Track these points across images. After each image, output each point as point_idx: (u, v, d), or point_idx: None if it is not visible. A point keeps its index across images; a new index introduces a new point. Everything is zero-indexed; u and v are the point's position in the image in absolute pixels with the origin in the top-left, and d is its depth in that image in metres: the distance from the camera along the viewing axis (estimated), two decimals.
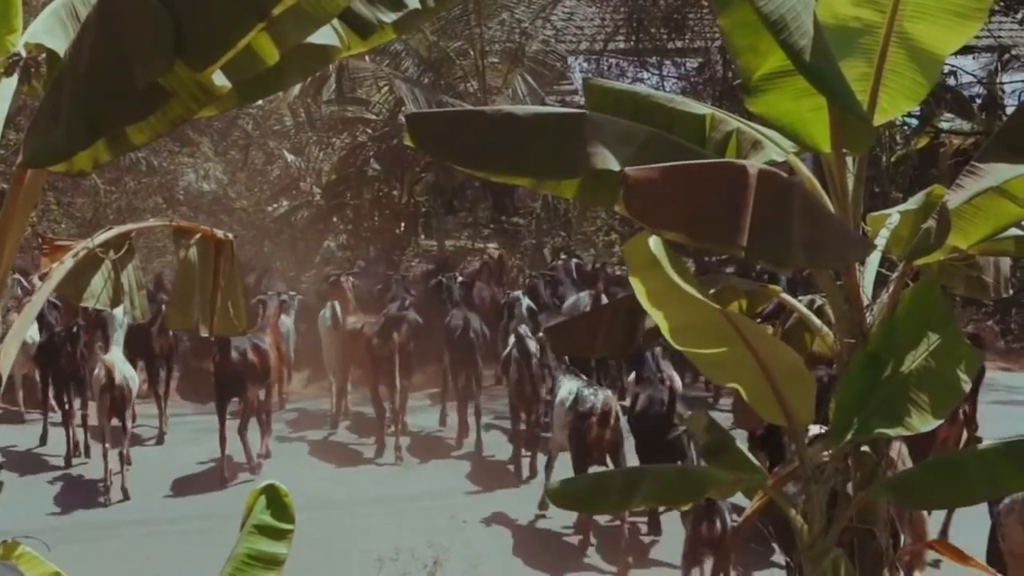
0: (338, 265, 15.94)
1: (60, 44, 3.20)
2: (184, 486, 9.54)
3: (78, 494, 9.28)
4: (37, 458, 10.28)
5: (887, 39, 3.63)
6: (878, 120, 3.80)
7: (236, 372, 9.85)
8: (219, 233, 3.87)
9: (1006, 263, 4.62)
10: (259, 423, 10.20)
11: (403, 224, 18.96)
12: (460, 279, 12.53)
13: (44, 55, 3.22)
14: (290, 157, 19.20)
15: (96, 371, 9.56)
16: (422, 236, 19.85)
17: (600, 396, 8.15)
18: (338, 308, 11.84)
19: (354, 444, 11.01)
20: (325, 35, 3.20)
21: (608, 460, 8.06)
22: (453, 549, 7.05)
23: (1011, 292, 4.83)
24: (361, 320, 11.40)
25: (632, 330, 4.56)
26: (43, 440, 10.62)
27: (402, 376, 10.68)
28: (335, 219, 18.64)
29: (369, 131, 18.24)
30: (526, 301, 10.87)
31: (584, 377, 8.59)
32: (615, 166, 3.46)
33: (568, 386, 8.44)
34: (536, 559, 7.83)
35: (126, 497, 9.07)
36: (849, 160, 3.83)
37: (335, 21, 3.20)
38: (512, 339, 9.99)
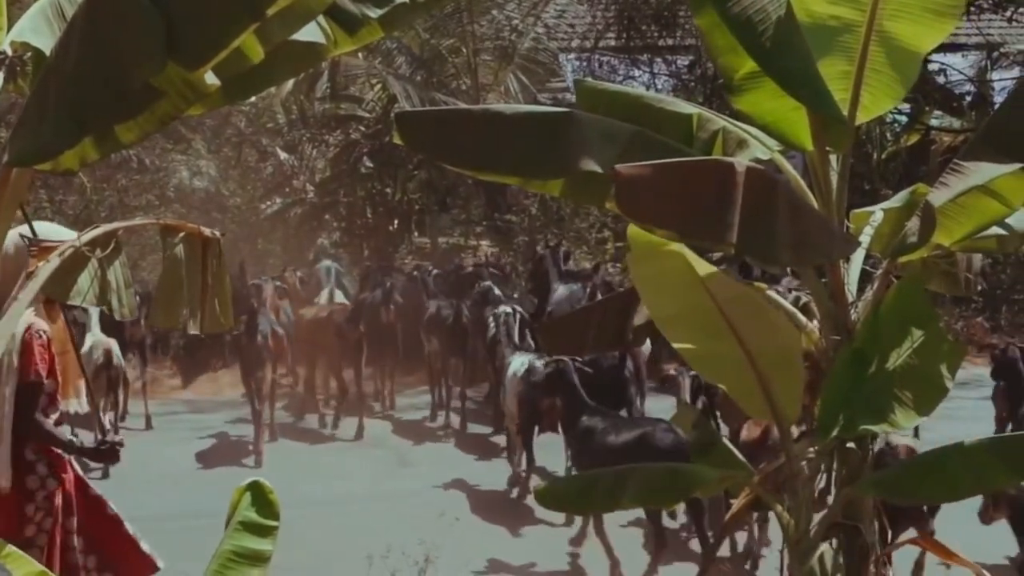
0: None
1: (46, 43, 3.19)
2: (178, 483, 9.54)
3: None
4: None
5: (867, 37, 3.63)
6: (861, 118, 3.80)
7: (260, 353, 10.15)
8: (206, 231, 3.86)
9: (978, 259, 4.65)
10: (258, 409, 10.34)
11: (396, 221, 18.97)
12: (434, 272, 12.81)
13: (30, 54, 3.22)
14: (283, 155, 19.19)
15: (86, 350, 9.59)
16: (415, 233, 19.88)
17: (552, 366, 8.22)
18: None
19: (343, 437, 11.06)
20: (311, 32, 3.19)
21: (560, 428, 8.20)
22: (446, 544, 7.05)
23: (980, 288, 4.86)
24: (327, 308, 11.62)
25: (622, 328, 4.58)
26: None
27: (380, 360, 10.91)
28: (328, 216, 18.65)
29: (362, 128, 18.25)
30: (496, 289, 11.32)
31: (535, 350, 8.70)
32: (598, 166, 3.46)
33: (520, 359, 8.66)
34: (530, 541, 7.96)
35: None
36: (834, 158, 3.84)
37: (321, 18, 3.19)
38: (491, 321, 10.21)
